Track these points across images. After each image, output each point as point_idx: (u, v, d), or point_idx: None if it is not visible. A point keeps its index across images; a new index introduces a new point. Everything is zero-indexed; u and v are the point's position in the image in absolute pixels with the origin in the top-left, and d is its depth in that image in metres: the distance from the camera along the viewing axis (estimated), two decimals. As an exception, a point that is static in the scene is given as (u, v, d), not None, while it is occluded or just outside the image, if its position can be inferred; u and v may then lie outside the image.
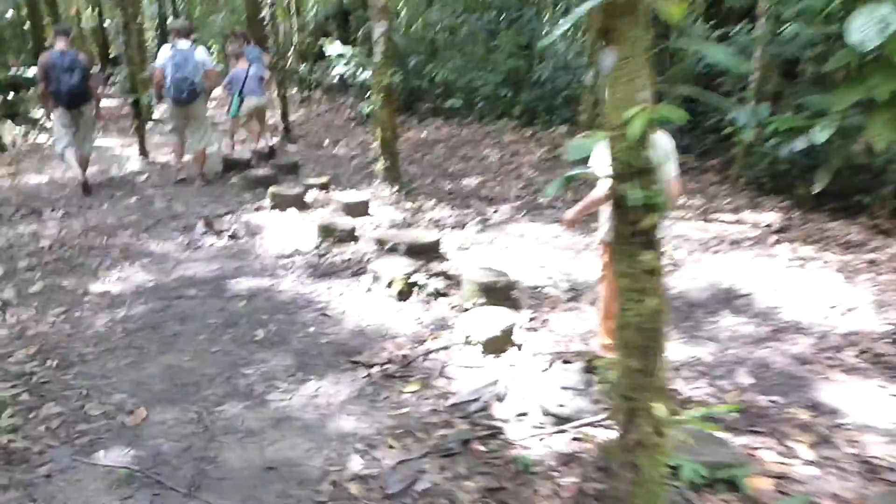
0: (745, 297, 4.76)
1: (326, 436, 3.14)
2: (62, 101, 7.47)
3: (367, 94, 7.97)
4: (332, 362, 3.85)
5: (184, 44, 7.82)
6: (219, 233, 6.20)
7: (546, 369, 3.49)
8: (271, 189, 6.93)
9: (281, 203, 6.84)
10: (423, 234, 5.47)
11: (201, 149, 8.40)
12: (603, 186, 2.89)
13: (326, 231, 5.76)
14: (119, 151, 10.95)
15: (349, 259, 5.39)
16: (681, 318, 4.45)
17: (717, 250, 5.66)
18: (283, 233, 6.20)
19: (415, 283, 4.56)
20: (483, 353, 3.69)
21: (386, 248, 5.36)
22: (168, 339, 4.18)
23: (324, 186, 7.60)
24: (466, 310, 4.36)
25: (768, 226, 6.23)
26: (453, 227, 6.28)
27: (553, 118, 10.74)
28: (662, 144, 2.95)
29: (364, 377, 3.66)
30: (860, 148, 6.16)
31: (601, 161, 2.83)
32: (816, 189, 6.28)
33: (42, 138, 11.86)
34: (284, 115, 11.13)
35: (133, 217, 6.76)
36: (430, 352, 3.87)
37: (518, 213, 6.85)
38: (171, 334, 4.24)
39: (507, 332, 3.76)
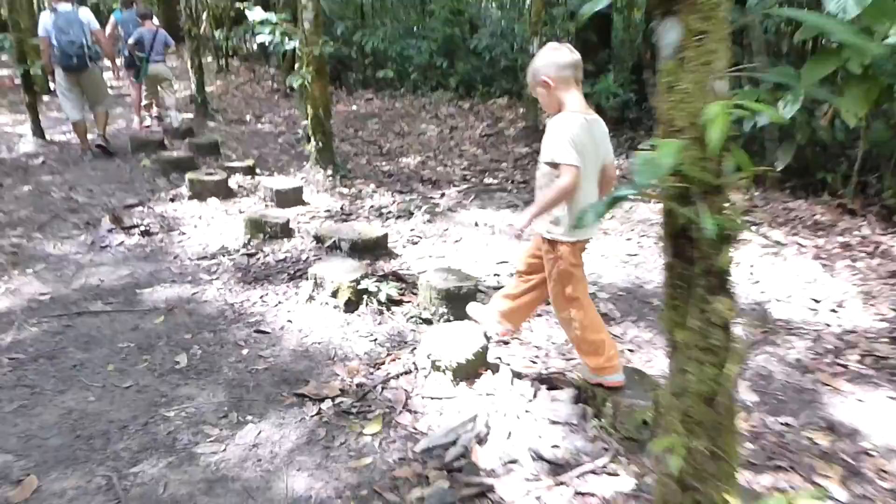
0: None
1: (273, 501, 2.53)
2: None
3: (295, 66, 7.16)
4: (273, 396, 3.22)
5: (65, 5, 7.16)
6: (128, 229, 5.37)
7: (531, 399, 2.98)
8: (189, 175, 6.11)
9: (201, 191, 6.04)
10: (368, 229, 4.83)
11: (102, 111, 7.86)
12: (570, 175, 2.47)
13: (256, 226, 5.04)
14: (10, 129, 9.73)
15: (284, 259, 4.71)
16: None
17: (685, 237, 5.27)
18: (204, 228, 5.44)
19: (364, 290, 3.95)
20: (454, 380, 3.13)
21: (326, 245, 4.71)
22: (68, 372, 3.43)
23: (249, 170, 6.81)
24: (426, 320, 3.80)
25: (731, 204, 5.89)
26: (398, 217, 5.66)
27: (492, 90, 10.18)
28: (592, 127, 2.59)
29: (314, 415, 3.04)
30: (824, 123, 5.89)
31: (561, 145, 2.45)
32: (780, 166, 5.99)
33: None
34: (200, 87, 10.13)
35: (24, 212, 5.82)
36: (390, 378, 3.29)
37: (466, 197, 6.29)
38: (71, 365, 3.49)
39: (481, 355, 3.21)
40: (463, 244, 5.11)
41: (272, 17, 5.86)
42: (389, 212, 5.76)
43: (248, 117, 10.40)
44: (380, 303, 3.91)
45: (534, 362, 3.46)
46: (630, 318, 4.03)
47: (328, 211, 5.73)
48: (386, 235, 4.77)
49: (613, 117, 8.57)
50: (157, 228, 5.42)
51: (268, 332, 3.81)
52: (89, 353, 3.61)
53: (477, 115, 9.59)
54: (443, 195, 6.31)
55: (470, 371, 3.15)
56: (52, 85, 12.59)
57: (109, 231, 5.34)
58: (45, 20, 7.20)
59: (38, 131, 8.62)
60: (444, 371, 3.15)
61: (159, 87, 9.02)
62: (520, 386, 3.09)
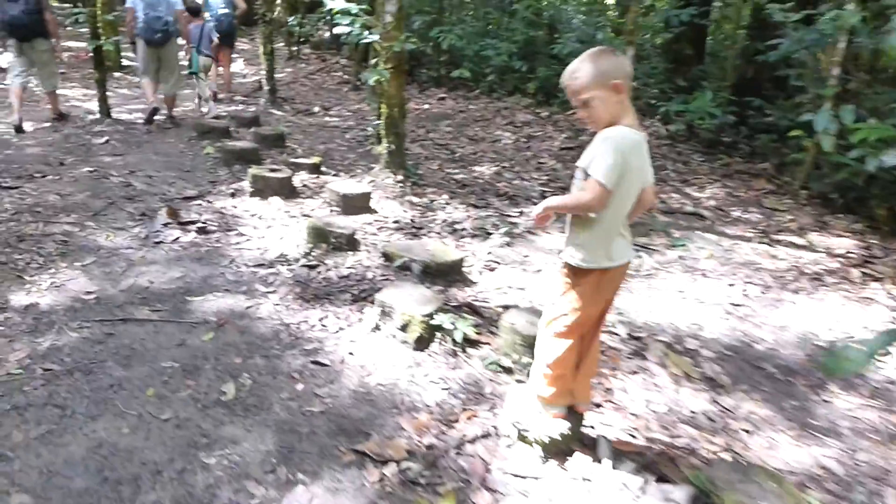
0: (852, 362, 3.75)
1: None
2: (7, 31, 7.33)
3: (371, 60, 6.75)
4: (328, 449, 2.77)
5: None
6: (185, 225, 5.03)
7: (638, 496, 2.45)
8: (252, 171, 5.74)
9: (263, 188, 5.66)
10: (442, 250, 4.36)
11: (172, 95, 8.46)
12: (597, 194, 2.21)
13: (319, 234, 4.62)
14: (79, 104, 9.61)
15: (348, 276, 4.27)
16: (781, 393, 3.43)
17: (797, 287, 4.64)
18: (264, 230, 5.06)
19: (438, 327, 3.47)
20: (543, 456, 2.63)
21: (395, 264, 4.25)
22: (104, 392, 3.06)
23: (315, 168, 6.42)
24: (506, 369, 3.30)
25: (846, 255, 5.22)
26: (473, 236, 5.17)
27: (573, 99, 9.58)
28: (642, 146, 2.32)
29: (375, 482, 2.58)
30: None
31: (605, 162, 2.18)
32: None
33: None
34: (271, 74, 9.83)
35: (81, 196, 5.54)
36: (466, 442, 2.80)
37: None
38: (108, 384, 3.11)
39: (577, 429, 2.70)
40: (544, 275, 4.58)
41: (353, 7, 5.42)
42: (463, 228, 5.28)
43: (316, 108, 10.07)
44: (455, 342, 3.43)
45: (633, 436, 2.93)
46: (741, 386, 3.46)
47: (397, 222, 5.28)
48: (462, 260, 4.29)
49: (706, 139, 7.91)
50: (214, 226, 5.06)
51: (326, 365, 3.36)
52: (129, 370, 3.24)
53: (556, 126, 9.02)
54: (521, 212, 5.79)
55: (562, 447, 2.64)
56: (124, 60, 12.58)
57: (165, 225, 5.00)
58: None
59: (105, 109, 8.43)
60: (532, 444, 2.64)
61: (199, 79, 9.27)
62: (623, 474, 2.56)
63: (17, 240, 4.59)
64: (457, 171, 7.16)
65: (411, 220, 5.34)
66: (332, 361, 3.39)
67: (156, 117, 8.42)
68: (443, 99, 10.81)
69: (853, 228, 5.74)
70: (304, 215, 5.34)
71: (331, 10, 5.87)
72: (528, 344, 3.24)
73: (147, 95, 8.40)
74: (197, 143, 7.64)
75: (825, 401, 3.39)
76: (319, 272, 4.34)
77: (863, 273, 4.89)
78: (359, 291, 4.07)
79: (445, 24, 10.98)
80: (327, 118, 9.61)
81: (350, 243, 4.60)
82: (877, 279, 4.81)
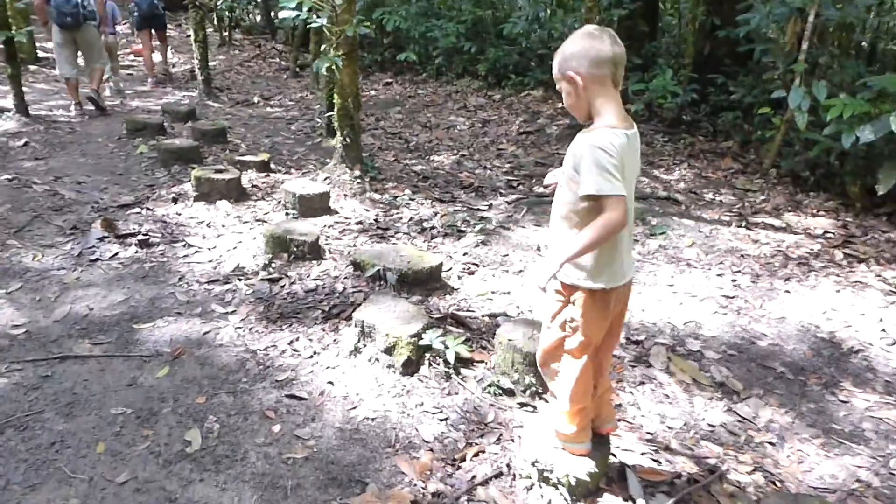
0: (859, 353, 3.58)
1: None
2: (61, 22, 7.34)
3: (321, 46, 6.26)
4: (319, 506, 2.39)
5: None
6: (124, 238, 4.50)
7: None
8: (195, 173, 5.21)
9: (209, 192, 5.15)
10: (417, 255, 3.98)
11: (98, 67, 8.08)
12: (618, 210, 1.89)
13: (279, 242, 4.18)
14: (-10, 102, 8.74)
15: (315, 290, 3.85)
16: (795, 395, 3.22)
17: (786, 274, 4.46)
18: (214, 239, 4.57)
19: (427, 347, 3.11)
20: (570, 499, 2.31)
21: (367, 274, 3.86)
22: (44, 452, 2.59)
23: (264, 166, 5.92)
24: (507, 391, 2.97)
25: (825, 235, 5.09)
26: (445, 235, 4.81)
27: (526, 80, 9.28)
28: (634, 143, 2.03)
29: (380, 545, 2.22)
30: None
31: (604, 172, 1.88)
32: (881, 190, 5.19)
33: None
34: (204, 63, 9.16)
35: (0, 209, 4.92)
36: (477, 485, 2.46)
37: (517, 210, 5.43)
38: (50, 442, 2.65)
39: (604, 461, 2.39)
40: (527, 276, 4.27)
41: (301, -10, 4.93)
42: (433, 227, 4.91)
43: (255, 98, 9.47)
44: (447, 363, 3.08)
45: (657, 461, 2.65)
46: (754, 391, 3.23)
47: (360, 223, 4.87)
48: (440, 265, 3.92)
49: (668, 119, 7.72)
50: (157, 237, 4.54)
51: (304, 399, 2.97)
52: (73, 421, 2.77)
53: (510, 109, 8.70)
54: (490, 206, 5.45)
55: (591, 487, 2.33)
56: (39, 52, 11.63)
57: (101, 240, 4.46)
58: None
59: (22, 107, 7.66)
60: (556, 486, 2.32)
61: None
62: (660, 514, 2.27)
63: (-74, 267, 4.00)
64: (414, 161, 6.77)
65: (375, 221, 4.94)
66: (310, 394, 3.00)
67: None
68: (389, 84, 10.35)
69: (827, 207, 5.63)
70: (258, 220, 4.87)
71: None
72: (529, 361, 2.92)
73: (70, 92, 8.05)
74: (129, 142, 7.00)
75: (842, 401, 3.19)
76: (283, 286, 3.90)
77: (845, 254, 4.76)
78: (330, 307, 3.66)
79: (387, 5, 10.49)
80: (269, 108, 9.04)
81: (313, 251, 4.18)
82: (861, 260, 4.68)
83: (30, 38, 10.66)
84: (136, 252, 4.36)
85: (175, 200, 5.21)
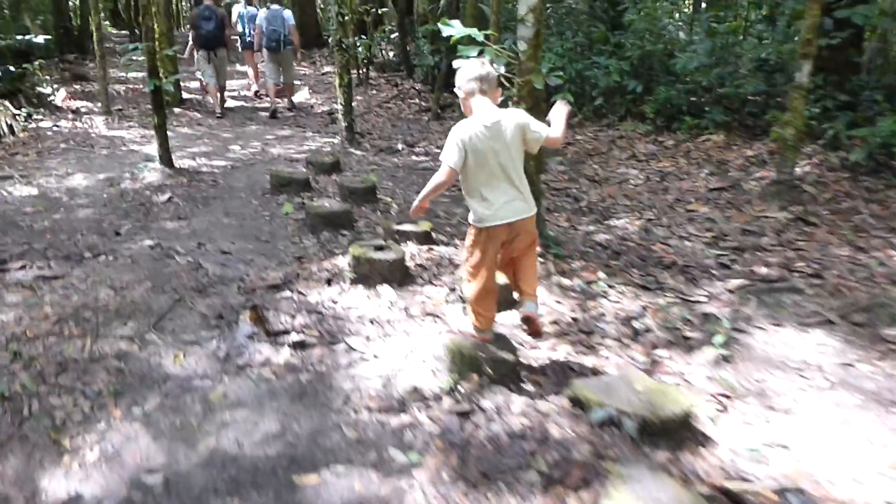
0: None
1: None
2: (201, 44, 10.33)
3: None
4: None
5: (275, 6, 10.47)
6: (276, 336, 3.75)
7: None
8: (354, 251, 4.44)
9: (369, 274, 4.36)
10: (660, 392, 2.94)
11: (289, 82, 11.34)
12: (441, 172, 2.98)
13: (468, 362, 3.27)
14: (138, 148, 8.57)
15: (523, 435, 2.89)
16: None
17: None
18: (380, 341, 3.74)
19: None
20: None
21: (593, 417, 2.86)
22: None
23: (426, 237, 5.10)
24: None
25: None
26: (669, 344, 3.74)
27: (702, 123, 8.08)
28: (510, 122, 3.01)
29: None
30: None
31: (447, 147, 2.96)
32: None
33: (47, 124, 9.53)
34: (348, 108, 8.59)
35: (140, 289, 4.32)
36: None
37: (743, 301, 4.28)
38: None
39: None
40: (800, 416, 3.12)
41: (476, 33, 4.09)
42: (647, 329, 3.86)
43: (399, 145, 8.80)
44: None
45: None
46: None
47: (556, 323, 3.89)
48: (691, 410, 2.86)
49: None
50: (314, 337, 3.76)
51: None
52: None
53: (689, 157, 7.52)
54: (710, 297, 4.33)
55: None
56: (184, 94, 11.63)
57: (250, 337, 3.74)
58: (262, 14, 10.53)
59: (167, 158, 7.32)
60: None
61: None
62: None
63: (56, 370, 3.37)
64: (592, 228, 5.75)
65: (574, 320, 3.94)
66: None
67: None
68: (540, 127, 9.42)
69: None
70: (430, 314, 4.01)
71: (420, 32, 4.53)
72: None
73: (270, 93, 11.17)
74: (273, 199, 6.44)
75: None
76: (478, 425, 2.97)
77: None
78: (549, 467, 2.68)
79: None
80: (414, 157, 8.33)
81: (512, 374, 3.24)
82: None
83: (176, 83, 10.60)
84: (291, 356, 3.59)
85: (329, 282, 4.46)
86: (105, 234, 5.46)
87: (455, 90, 3.09)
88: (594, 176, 7.22)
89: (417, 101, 11.69)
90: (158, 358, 3.55)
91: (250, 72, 12.87)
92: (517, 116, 3.04)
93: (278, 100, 11.33)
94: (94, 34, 10.01)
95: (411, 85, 12.75)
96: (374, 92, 12.64)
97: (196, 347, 3.67)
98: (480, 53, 4.24)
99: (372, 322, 3.94)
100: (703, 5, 10.74)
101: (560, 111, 3.21)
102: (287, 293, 4.33)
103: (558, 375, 3.36)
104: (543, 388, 3.21)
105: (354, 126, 8.77)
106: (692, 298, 4.28)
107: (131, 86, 13.34)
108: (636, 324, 3.93)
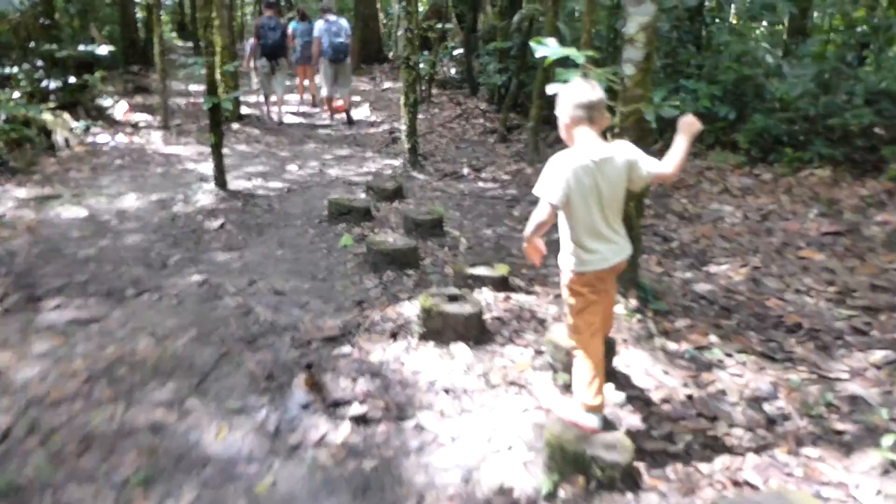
0: None
1: None
2: (264, 53, 10.37)
3: (539, 110, 4.77)
4: None
5: (332, 16, 10.30)
6: (334, 407, 3.18)
7: None
8: (424, 302, 3.84)
9: (441, 329, 3.76)
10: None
11: (347, 92, 11.06)
12: (542, 209, 2.61)
13: (568, 458, 2.63)
14: (193, 166, 8.22)
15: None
16: None
17: None
18: (457, 417, 3.13)
19: None
20: None
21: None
22: None
23: (502, 284, 4.47)
24: None
25: None
26: (816, 439, 3.02)
27: (805, 155, 7.27)
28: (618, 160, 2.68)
29: None
30: None
31: (547, 180, 2.61)
32: None
33: (104, 138, 9.30)
34: (412, 130, 8.08)
35: (184, 338, 3.82)
36: None
37: (894, 379, 3.53)
38: None
39: None
40: None
41: (575, 54, 3.47)
42: (783, 414, 3.16)
43: (464, 170, 8.23)
44: None
45: None
46: None
47: (667, 401, 3.22)
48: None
49: None
50: (378, 408, 3.18)
51: None
52: None
53: (791, 194, 6.73)
54: (851, 374, 3.59)
55: None
56: (244, 109, 11.33)
57: (305, 406, 3.18)
58: (321, 25, 10.25)
59: (221, 180, 6.92)
60: None
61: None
62: None
63: (79, 448, 2.86)
64: (689, 274, 5.05)
65: (689, 398, 3.26)
66: None
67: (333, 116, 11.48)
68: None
69: None
70: (513, 384, 3.38)
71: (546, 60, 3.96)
72: None
73: (326, 105, 11.50)
74: (330, 229, 5.93)
75: None
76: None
77: None
78: None
79: (612, 61, 8.93)
80: (481, 183, 7.74)
81: (626, 478, 2.58)
82: None
83: (235, 99, 10.29)
84: (351, 433, 3.01)
85: (395, 336, 3.88)
86: (152, 265, 5.02)
87: (559, 116, 2.73)
88: (683, 212, 6.50)
89: (482, 121, 11.12)
90: (199, 432, 3.01)
91: (306, 84, 12.85)
92: (627, 151, 2.71)
93: (337, 114, 11.40)
94: (156, 46, 9.75)
95: (475, 104, 12.19)
96: (437, 110, 12.12)
97: (242, 418, 3.12)
98: (583, 76, 3.63)
99: (447, 391, 3.33)
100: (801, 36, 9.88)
101: (687, 129, 2.73)
102: (346, 348, 3.77)
103: (683, 480, 2.69)
104: (668, 499, 2.54)
105: (417, 148, 8.23)
106: (831, 375, 3.54)
107: (192, 99, 13.15)
108: (768, 407, 3.23)
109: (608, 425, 2.82)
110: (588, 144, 2.65)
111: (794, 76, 7.28)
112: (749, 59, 7.97)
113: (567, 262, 2.77)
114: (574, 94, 2.70)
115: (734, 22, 9.77)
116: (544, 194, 2.60)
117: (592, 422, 2.72)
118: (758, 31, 9.49)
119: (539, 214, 2.61)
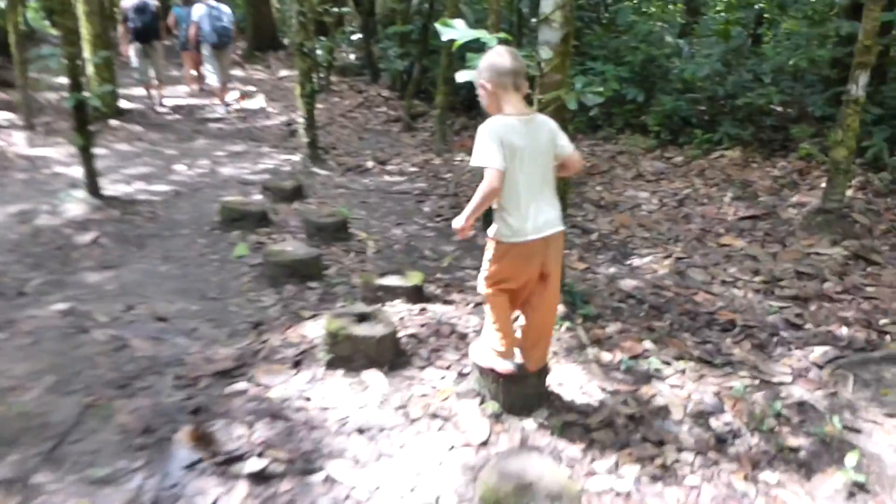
0: None
1: None
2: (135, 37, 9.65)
3: (445, 97, 4.38)
4: None
5: (215, 2, 9.81)
6: (225, 463, 2.65)
7: None
8: (329, 325, 3.34)
9: (350, 355, 3.28)
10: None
11: (224, 81, 10.43)
12: (489, 178, 2.50)
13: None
14: (61, 170, 7.32)
15: None
16: None
17: None
18: (374, 465, 2.67)
19: None
20: None
21: None
22: None
23: (416, 294, 4.03)
24: None
25: None
26: (772, 458, 2.75)
27: (715, 137, 7.19)
28: (548, 124, 2.70)
29: None
30: None
31: (484, 149, 2.52)
32: None
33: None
34: (310, 122, 7.48)
35: (36, 388, 3.16)
36: None
37: (838, 380, 3.34)
38: None
39: None
40: None
41: (487, 36, 3.06)
42: (732, 431, 2.88)
43: (369, 163, 7.72)
44: None
45: None
46: None
47: (609, 425, 2.88)
48: None
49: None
50: (279, 460, 2.68)
51: None
52: None
53: (704, 177, 6.62)
54: (794, 375, 3.37)
55: None
56: (124, 103, 10.33)
57: (190, 467, 2.63)
58: (201, 10, 9.69)
59: (93, 186, 6.11)
60: None
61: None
62: None
63: None
64: (613, 269, 4.78)
65: (630, 418, 2.94)
66: None
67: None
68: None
69: None
70: (436, 416, 2.96)
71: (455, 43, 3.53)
72: None
73: (219, 92, 10.49)
74: (222, 237, 5.31)
75: None
76: None
77: None
78: None
79: (526, 45, 8.62)
80: (386, 176, 7.27)
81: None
82: None
83: (112, 94, 9.31)
84: (248, 496, 2.50)
85: (297, 364, 3.37)
86: (4, 293, 4.27)
87: (480, 83, 2.66)
88: (600, 200, 6.27)
89: (385, 109, 10.61)
90: (51, 512, 2.42)
91: (194, 73, 11.85)
92: (548, 121, 2.72)
93: (229, 102, 10.86)
94: (11, 35, 8.64)
95: (377, 91, 11.65)
96: (337, 99, 11.49)
97: (109, 490, 2.54)
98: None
99: (360, 432, 2.87)
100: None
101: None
102: (242, 384, 3.23)
103: (636, 526, 2.35)
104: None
105: (317, 141, 7.64)
106: (774, 379, 3.32)
107: (64, 94, 11.92)
108: (714, 422, 2.95)
109: (521, 368, 2.86)
110: (514, 108, 2.61)
111: (702, 56, 7.17)
112: (654, 39, 7.82)
113: (494, 230, 2.69)
114: (497, 60, 2.62)
115: (634, 1, 9.64)
116: (486, 162, 2.52)
117: (507, 366, 2.80)
118: (653, 10, 9.39)
119: (486, 184, 2.51)
